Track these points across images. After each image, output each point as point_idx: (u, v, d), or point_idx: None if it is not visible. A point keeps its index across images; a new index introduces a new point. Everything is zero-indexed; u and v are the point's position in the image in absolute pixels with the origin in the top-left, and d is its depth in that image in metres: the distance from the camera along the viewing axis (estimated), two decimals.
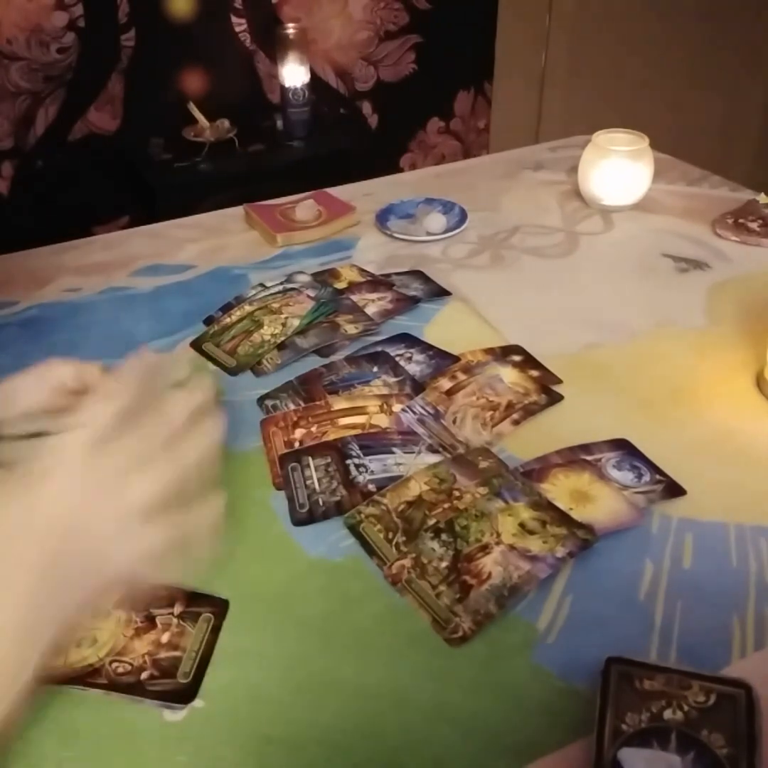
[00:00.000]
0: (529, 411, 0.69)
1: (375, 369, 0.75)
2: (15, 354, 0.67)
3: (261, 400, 0.72)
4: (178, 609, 0.52)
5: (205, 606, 0.53)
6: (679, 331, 0.81)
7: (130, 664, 0.49)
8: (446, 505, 0.59)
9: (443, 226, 1.00)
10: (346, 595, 0.54)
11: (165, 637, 0.51)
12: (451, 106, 2.38)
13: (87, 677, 0.49)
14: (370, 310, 0.84)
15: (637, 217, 1.04)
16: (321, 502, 0.61)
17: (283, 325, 0.81)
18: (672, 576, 0.55)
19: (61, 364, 0.65)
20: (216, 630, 0.52)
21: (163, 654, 0.50)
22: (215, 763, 0.45)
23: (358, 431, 0.67)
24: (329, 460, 0.64)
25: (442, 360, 0.76)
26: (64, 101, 1.87)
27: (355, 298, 0.86)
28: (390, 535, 0.57)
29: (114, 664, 0.49)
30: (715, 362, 0.76)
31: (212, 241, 1.02)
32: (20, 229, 1.59)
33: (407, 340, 0.79)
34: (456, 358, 0.76)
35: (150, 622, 0.52)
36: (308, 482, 0.62)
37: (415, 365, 0.75)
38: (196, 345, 0.80)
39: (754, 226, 0.98)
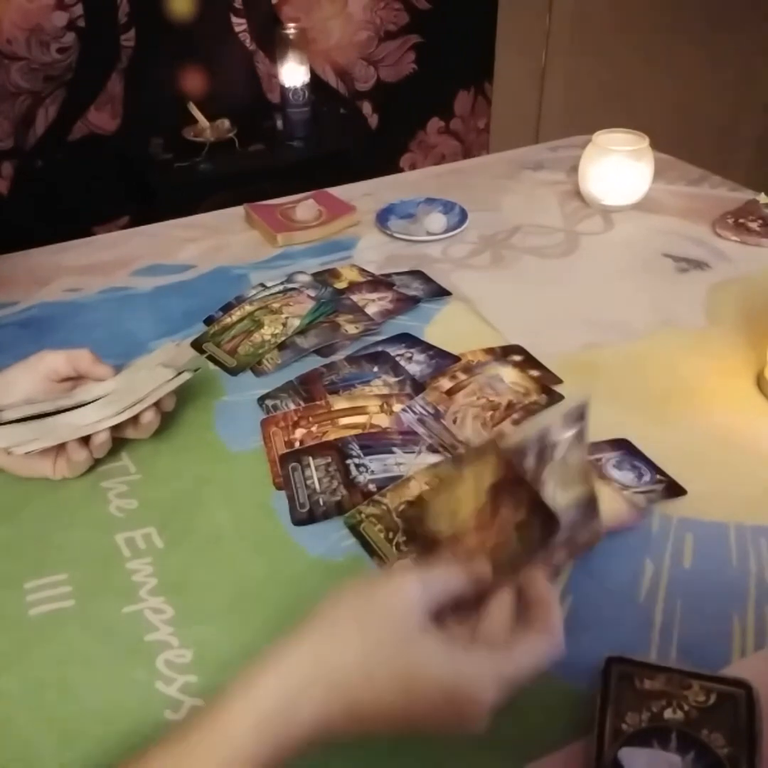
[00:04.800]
0: (530, 411, 0.69)
1: (375, 369, 0.75)
2: (15, 354, 0.66)
3: (261, 400, 0.72)
4: None
5: None
6: (679, 331, 0.81)
7: None
8: None
9: (443, 226, 1.00)
10: None
11: None
12: (451, 106, 2.38)
13: None
14: (371, 310, 0.84)
15: (637, 217, 1.04)
16: (321, 502, 0.61)
17: (284, 325, 0.81)
18: (672, 576, 0.55)
19: (52, 353, 0.66)
20: None
21: None
22: None
23: (359, 431, 0.67)
24: (330, 460, 0.64)
25: (443, 360, 0.76)
26: (64, 101, 1.87)
27: (355, 298, 0.86)
28: (390, 535, 0.57)
29: None
30: (715, 362, 0.76)
31: (212, 241, 1.02)
32: (20, 229, 1.59)
33: (407, 340, 0.79)
34: (456, 358, 0.76)
35: None
36: (309, 482, 0.62)
37: (416, 365, 0.75)
38: (197, 345, 0.80)
39: (754, 226, 0.98)
